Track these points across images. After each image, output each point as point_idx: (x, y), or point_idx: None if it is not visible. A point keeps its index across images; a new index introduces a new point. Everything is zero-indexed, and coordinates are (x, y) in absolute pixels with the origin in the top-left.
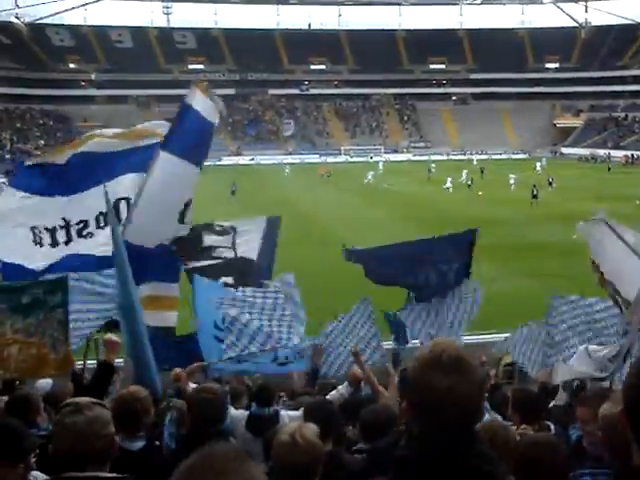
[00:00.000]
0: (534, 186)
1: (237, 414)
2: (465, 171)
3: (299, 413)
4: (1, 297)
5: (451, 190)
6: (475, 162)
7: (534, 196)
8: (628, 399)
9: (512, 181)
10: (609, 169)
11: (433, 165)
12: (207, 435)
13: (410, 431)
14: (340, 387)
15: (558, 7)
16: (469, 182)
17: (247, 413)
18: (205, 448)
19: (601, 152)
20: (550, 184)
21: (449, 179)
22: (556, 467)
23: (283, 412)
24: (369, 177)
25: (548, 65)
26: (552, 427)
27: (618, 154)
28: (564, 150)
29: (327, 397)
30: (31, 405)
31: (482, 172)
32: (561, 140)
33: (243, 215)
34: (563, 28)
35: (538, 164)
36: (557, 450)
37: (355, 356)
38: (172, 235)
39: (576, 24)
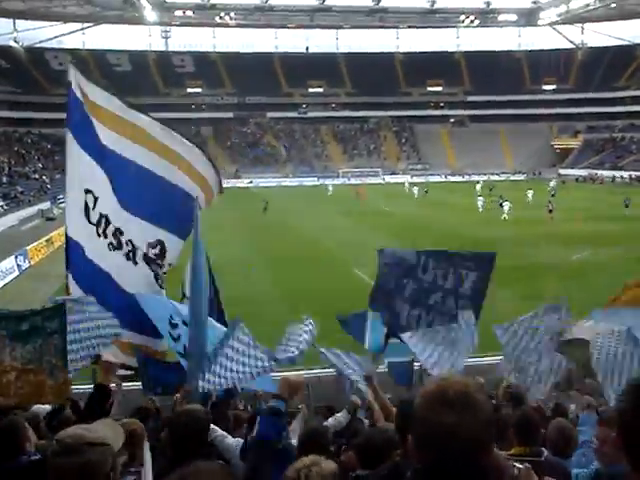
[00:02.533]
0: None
1: (231, 442)
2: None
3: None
4: (1, 324)
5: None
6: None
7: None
8: (623, 422)
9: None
10: None
11: (419, 188)
12: (189, 456)
13: (415, 466)
14: (338, 414)
15: (555, 29)
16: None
17: (242, 442)
18: (188, 466)
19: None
20: (627, 206)
21: (506, 206)
22: None
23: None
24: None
25: (545, 87)
26: (545, 452)
27: (616, 174)
28: (562, 171)
29: (325, 424)
30: (17, 432)
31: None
32: (559, 161)
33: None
34: (560, 50)
35: (552, 183)
36: None
37: (368, 380)
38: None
39: (573, 46)
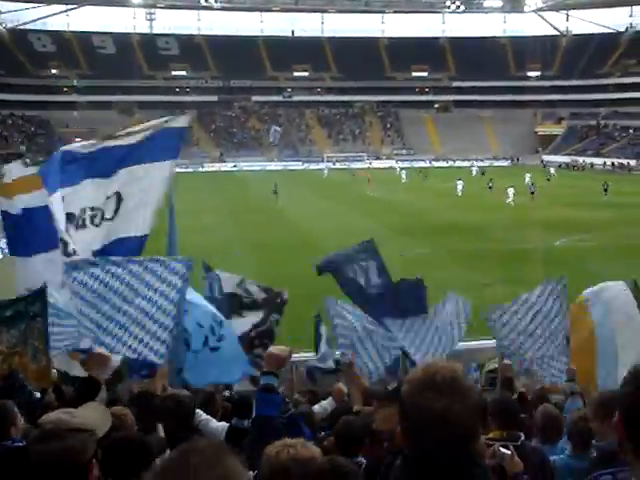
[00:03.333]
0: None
1: (216, 426)
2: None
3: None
4: None
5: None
6: (475, 170)
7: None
8: (625, 407)
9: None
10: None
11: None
12: (179, 438)
13: (404, 452)
14: (324, 402)
15: (540, 16)
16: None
17: (227, 425)
18: (183, 444)
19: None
20: (605, 190)
21: (511, 191)
22: None
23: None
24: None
25: (530, 73)
26: (522, 437)
27: (599, 161)
28: (545, 157)
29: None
30: (6, 415)
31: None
32: (542, 147)
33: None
34: (545, 37)
35: (552, 169)
36: None
37: (348, 367)
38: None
39: (557, 33)
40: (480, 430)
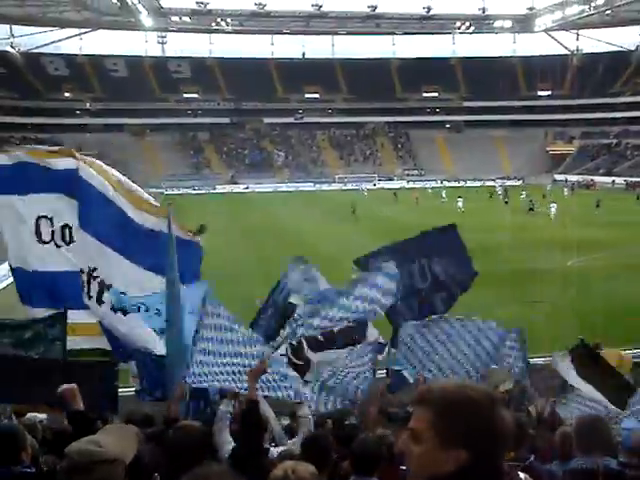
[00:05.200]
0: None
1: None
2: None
3: (287, 447)
4: (5, 333)
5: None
6: (498, 187)
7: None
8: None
9: (553, 210)
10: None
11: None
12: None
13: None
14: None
15: (550, 35)
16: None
17: (231, 447)
18: (197, 469)
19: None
20: (597, 205)
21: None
22: None
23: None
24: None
25: (540, 93)
26: (531, 457)
27: (607, 180)
28: (557, 177)
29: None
30: (16, 440)
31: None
32: (554, 167)
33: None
34: (555, 56)
35: (565, 190)
36: None
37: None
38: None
39: (568, 52)
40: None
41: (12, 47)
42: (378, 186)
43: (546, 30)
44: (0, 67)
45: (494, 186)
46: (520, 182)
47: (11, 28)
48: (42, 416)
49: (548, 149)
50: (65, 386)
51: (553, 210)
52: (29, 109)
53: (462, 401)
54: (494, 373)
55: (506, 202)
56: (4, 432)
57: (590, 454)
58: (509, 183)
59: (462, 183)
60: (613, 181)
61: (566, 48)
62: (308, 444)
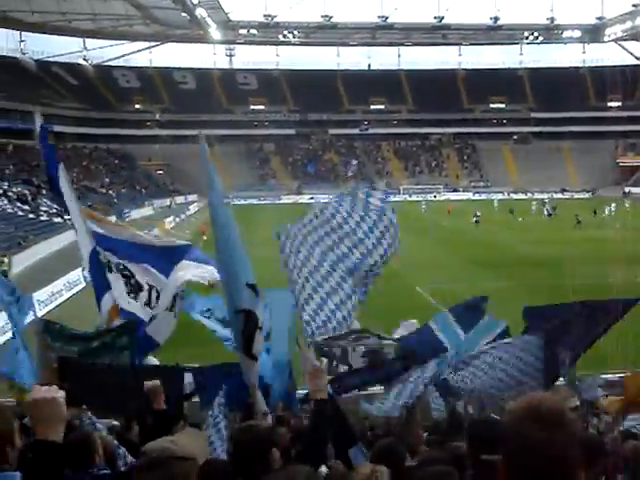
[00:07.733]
0: None
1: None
2: None
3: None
4: (73, 343)
5: None
6: (546, 210)
7: None
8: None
9: None
10: None
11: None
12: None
13: None
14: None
15: (620, 45)
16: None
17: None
18: (285, 469)
19: None
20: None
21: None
22: None
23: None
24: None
25: (610, 104)
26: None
27: None
28: (627, 189)
29: None
30: (90, 445)
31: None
32: (624, 179)
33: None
34: (625, 66)
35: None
36: None
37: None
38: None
39: (638, 62)
40: (580, 467)
41: (85, 60)
42: (444, 197)
43: (616, 40)
44: (73, 79)
45: (543, 199)
46: (589, 194)
47: (84, 41)
48: (115, 422)
49: (618, 161)
50: (149, 384)
51: None
52: (100, 120)
53: None
54: (560, 390)
55: (549, 215)
56: (77, 439)
57: None
58: (577, 196)
59: (529, 195)
60: None
61: (637, 58)
62: (381, 452)
